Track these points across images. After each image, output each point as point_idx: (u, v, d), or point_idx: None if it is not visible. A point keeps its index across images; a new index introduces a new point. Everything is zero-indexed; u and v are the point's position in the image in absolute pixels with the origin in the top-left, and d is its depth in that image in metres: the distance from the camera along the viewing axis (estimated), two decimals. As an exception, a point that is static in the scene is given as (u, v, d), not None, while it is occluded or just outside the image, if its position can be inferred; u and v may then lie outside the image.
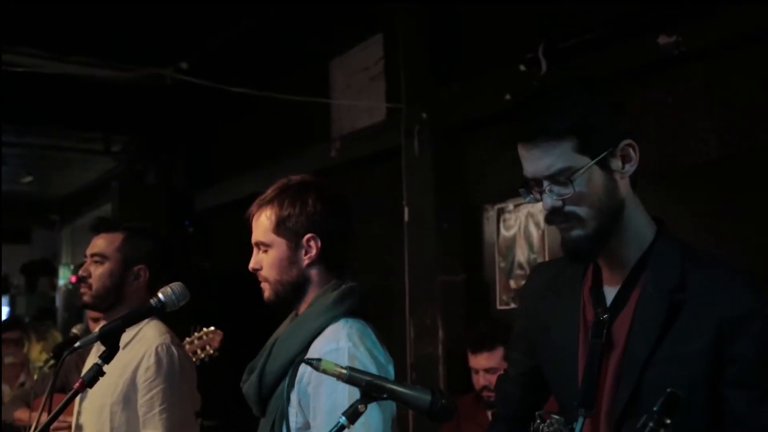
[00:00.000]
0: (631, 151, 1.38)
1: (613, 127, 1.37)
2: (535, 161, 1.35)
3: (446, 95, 3.83)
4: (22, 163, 7.42)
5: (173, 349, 2.24)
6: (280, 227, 1.76)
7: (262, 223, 1.78)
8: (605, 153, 1.35)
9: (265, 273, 1.78)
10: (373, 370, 1.63)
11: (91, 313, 3.24)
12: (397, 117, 4.02)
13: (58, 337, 5.39)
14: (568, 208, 1.35)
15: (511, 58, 3.45)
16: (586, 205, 1.35)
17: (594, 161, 1.34)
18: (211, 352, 2.74)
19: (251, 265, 1.81)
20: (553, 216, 1.37)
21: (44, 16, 4.42)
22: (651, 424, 0.98)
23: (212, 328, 2.79)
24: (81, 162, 7.40)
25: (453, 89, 3.82)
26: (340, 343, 1.66)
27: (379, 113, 4.31)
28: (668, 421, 0.99)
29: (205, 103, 5.49)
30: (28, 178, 7.63)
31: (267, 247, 1.78)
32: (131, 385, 2.20)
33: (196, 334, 2.73)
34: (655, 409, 0.99)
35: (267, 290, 1.79)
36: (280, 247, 1.76)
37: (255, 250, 1.81)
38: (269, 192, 1.81)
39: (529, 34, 3.42)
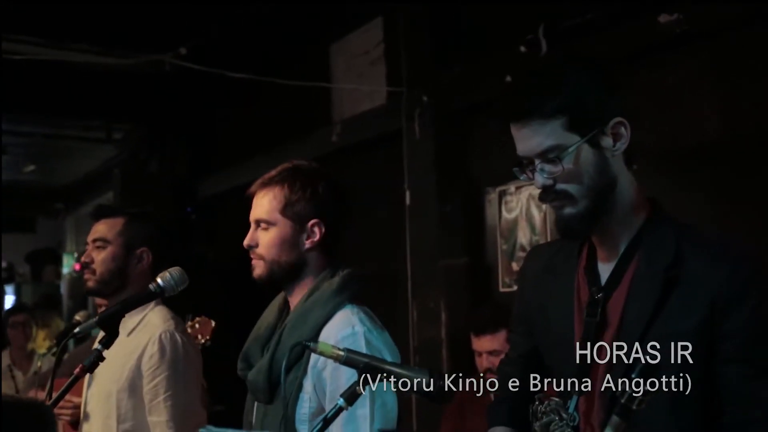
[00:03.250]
0: (622, 129, 1.38)
1: (603, 106, 1.37)
2: (526, 140, 1.37)
3: (447, 78, 3.81)
4: (24, 152, 7.41)
5: (177, 336, 2.24)
6: (287, 209, 1.77)
7: (268, 202, 1.79)
8: (595, 131, 1.35)
9: (262, 251, 1.79)
10: (386, 352, 1.67)
11: (98, 301, 3.23)
12: (398, 100, 4.00)
13: (60, 324, 5.40)
14: (559, 186, 1.37)
15: (511, 40, 3.43)
16: (576, 182, 1.36)
17: (583, 139, 1.35)
18: (203, 341, 2.74)
19: (247, 241, 1.81)
20: (545, 194, 1.40)
21: (43, 3, 4.40)
22: (629, 391, 0.99)
23: (203, 317, 2.78)
24: (83, 150, 7.38)
25: (453, 72, 3.80)
26: (356, 327, 1.69)
27: (379, 97, 4.30)
28: (645, 389, 1.00)
29: (206, 90, 5.47)
30: (31, 167, 7.63)
31: (269, 226, 1.78)
32: (137, 372, 2.21)
33: (189, 323, 2.72)
34: (632, 376, 1.00)
35: (260, 268, 1.80)
36: (284, 227, 1.77)
37: (253, 227, 1.81)
38: (275, 172, 1.82)
39: (530, 15, 3.39)
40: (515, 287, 3.59)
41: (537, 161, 1.37)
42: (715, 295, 1.30)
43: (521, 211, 3.59)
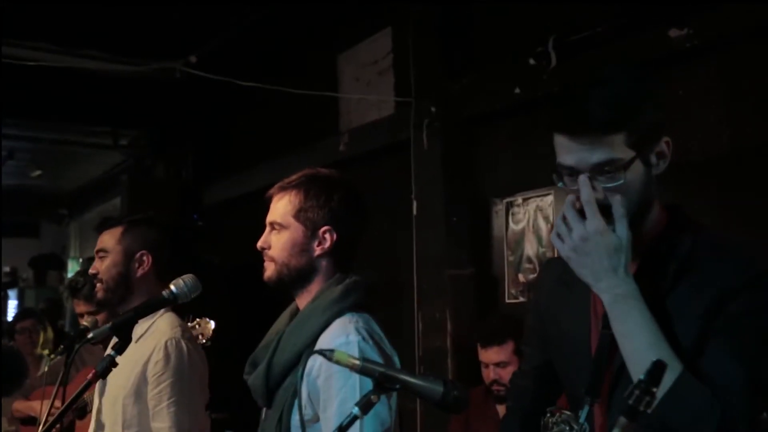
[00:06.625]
0: (666, 148, 1.38)
1: (659, 123, 1.37)
2: (581, 152, 1.33)
3: (455, 89, 3.82)
4: (30, 158, 7.45)
5: (183, 343, 2.25)
6: (300, 213, 1.79)
7: (283, 205, 1.81)
8: (650, 148, 1.34)
9: (273, 253, 1.80)
10: (380, 362, 1.64)
11: (79, 309, 3.17)
12: (406, 111, 4.01)
13: (49, 332, 5.37)
14: (606, 201, 1.34)
15: (520, 52, 3.44)
16: (623, 198, 1.33)
17: (640, 156, 1.33)
18: (204, 341, 2.74)
19: (260, 243, 1.82)
20: None
21: (52, 10, 4.43)
22: (637, 392, 0.98)
23: (204, 318, 2.79)
24: (89, 156, 7.42)
25: (462, 83, 3.81)
26: (350, 336, 1.68)
27: (387, 107, 4.31)
28: (654, 390, 0.99)
29: (214, 97, 5.50)
30: (37, 172, 7.66)
31: (282, 229, 1.80)
32: (142, 379, 2.22)
33: (189, 324, 2.73)
34: (641, 377, 0.99)
35: (270, 270, 1.81)
36: (295, 231, 1.79)
37: (267, 230, 1.83)
38: (295, 177, 1.84)
39: (539, 27, 3.40)
40: (521, 299, 3.60)
41: (586, 174, 1.33)
42: (724, 287, 1.29)
43: (528, 223, 3.60)
